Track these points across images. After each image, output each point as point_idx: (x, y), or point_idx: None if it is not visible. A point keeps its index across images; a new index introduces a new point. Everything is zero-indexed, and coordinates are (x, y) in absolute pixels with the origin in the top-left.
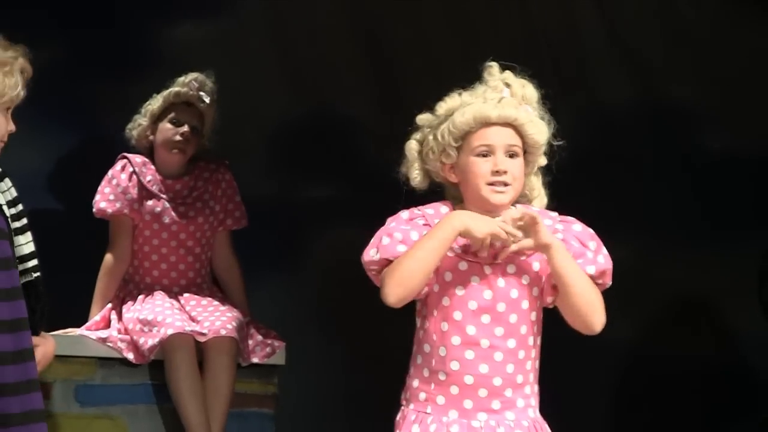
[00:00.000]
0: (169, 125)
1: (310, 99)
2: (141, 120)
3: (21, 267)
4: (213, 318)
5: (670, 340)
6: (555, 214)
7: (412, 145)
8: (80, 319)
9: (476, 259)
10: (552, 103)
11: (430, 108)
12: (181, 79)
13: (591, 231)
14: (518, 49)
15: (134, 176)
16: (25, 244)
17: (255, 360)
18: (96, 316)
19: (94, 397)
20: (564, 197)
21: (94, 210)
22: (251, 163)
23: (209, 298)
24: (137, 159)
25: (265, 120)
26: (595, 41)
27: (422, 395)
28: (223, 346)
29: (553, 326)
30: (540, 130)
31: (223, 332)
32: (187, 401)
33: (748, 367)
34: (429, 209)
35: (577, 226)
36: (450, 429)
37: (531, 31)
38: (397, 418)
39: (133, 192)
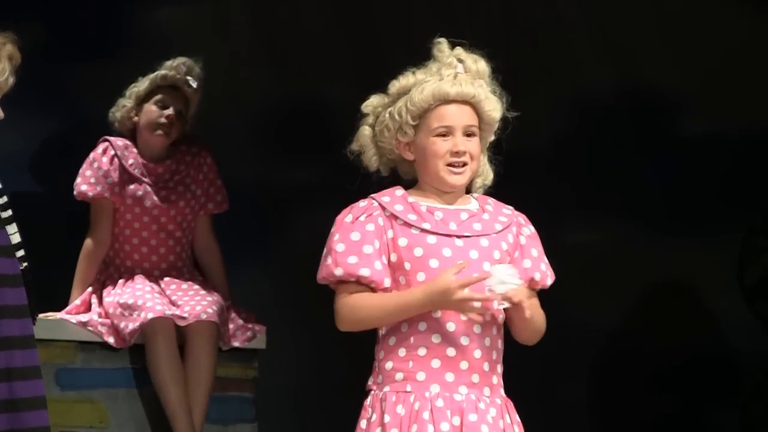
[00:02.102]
0: (154, 107)
1: (292, 82)
2: (125, 102)
3: None
4: (194, 302)
5: (651, 325)
6: (511, 208)
7: (365, 132)
8: (60, 303)
9: (446, 232)
10: (532, 86)
11: (382, 90)
12: (169, 62)
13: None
14: (499, 32)
15: (116, 159)
16: (13, 234)
17: (235, 344)
18: (76, 300)
19: (75, 381)
20: (543, 181)
21: (75, 193)
22: (232, 146)
23: (190, 282)
24: (119, 142)
25: (247, 103)
26: (575, 24)
27: (399, 375)
28: (203, 330)
29: None
30: (495, 107)
31: (203, 316)
32: (167, 385)
33: (729, 352)
34: (385, 197)
35: (531, 228)
36: (435, 403)
37: (512, 15)
38: (366, 402)
39: (114, 175)
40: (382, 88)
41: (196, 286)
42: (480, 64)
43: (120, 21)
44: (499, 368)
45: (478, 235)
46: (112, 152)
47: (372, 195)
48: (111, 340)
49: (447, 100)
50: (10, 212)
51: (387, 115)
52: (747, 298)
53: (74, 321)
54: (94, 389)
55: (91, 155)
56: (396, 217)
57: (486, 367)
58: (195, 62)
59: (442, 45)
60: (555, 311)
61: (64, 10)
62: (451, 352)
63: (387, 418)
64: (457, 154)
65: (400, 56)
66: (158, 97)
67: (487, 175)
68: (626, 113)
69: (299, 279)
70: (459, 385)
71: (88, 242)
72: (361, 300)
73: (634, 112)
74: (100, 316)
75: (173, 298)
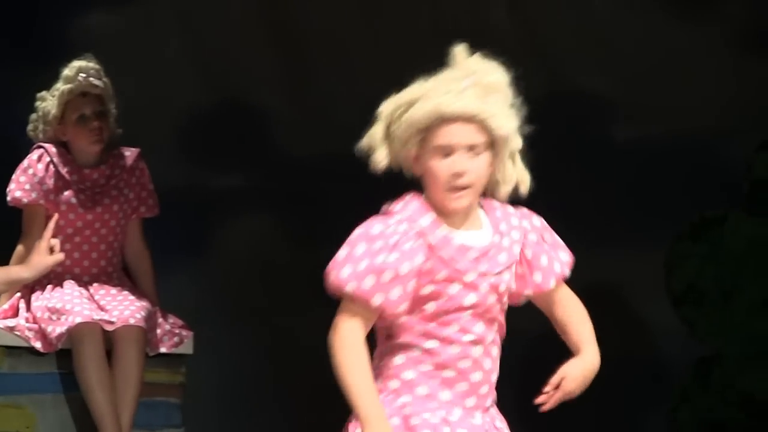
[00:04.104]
0: (79, 125)
1: (220, 88)
2: (43, 125)
3: None
4: (122, 307)
5: None
6: (519, 214)
7: (377, 133)
8: None
9: (478, 272)
10: None
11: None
12: (66, 73)
13: (546, 223)
14: (427, 39)
15: (51, 166)
16: None
17: (163, 349)
18: (4, 305)
19: (1, 387)
20: None
21: (8, 199)
22: (161, 152)
23: (119, 287)
24: (53, 149)
25: (175, 109)
26: (507, 34)
27: (422, 389)
28: (131, 335)
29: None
30: (504, 123)
31: (131, 321)
32: (95, 390)
33: (656, 358)
34: (401, 225)
35: (537, 220)
36: (456, 427)
37: (441, 22)
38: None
39: (50, 182)
40: (310, 95)
41: (125, 291)
42: (493, 77)
43: (48, 26)
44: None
45: (501, 272)
46: (48, 159)
47: (401, 214)
48: (38, 344)
49: (448, 119)
50: None
51: (395, 126)
52: (675, 304)
53: (1, 326)
54: (20, 394)
55: (26, 161)
56: (433, 248)
57: (489, 390)
58: (87, 60)
59: (458, 53)
60: None
61: None
62: (476, 377)
63: (415, 420)
64: (457, 175)
65: (329, 63)
66: (76, 115)
67: (515, 180)
68: (553, 119)
69: (227, 285)
70: (476, 410)
71: (19, 248)
72: (346, 350)
73: (562, 118)
74: (27, 320)
75: (102, 302)
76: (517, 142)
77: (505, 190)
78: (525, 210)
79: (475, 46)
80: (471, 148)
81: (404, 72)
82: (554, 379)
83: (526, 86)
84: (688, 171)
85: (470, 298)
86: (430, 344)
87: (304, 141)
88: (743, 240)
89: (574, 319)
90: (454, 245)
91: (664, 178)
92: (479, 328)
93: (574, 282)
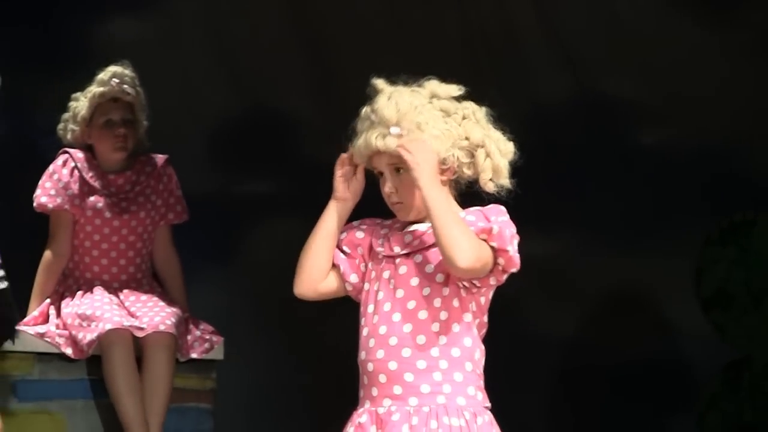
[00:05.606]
0: (105, 129)
1: (248, 94)
2: (72, 125)
3: None
4: (152, 313)
5: (608, 335)
6: (480, 213)
7: None
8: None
9: (388, 252)
10: (489, 97)
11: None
12: (100, 76)
13: (502, 209)
14: (455, 45)
15: (76, 171)
16: None
17: (193, 355)
18: (35, 311)
19: (32, 393)
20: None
21: (34, 204)
22: (189, 158)
23: (149, 294)
24: (79, 154)
25: (203, 115)
26: (532, 38)
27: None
28: (161, 341)
29: (489, 322)
30: (407, 151)
31: (161, 327)
32: (124, 397)
33: (685, 363)
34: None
35: (490, 206)
36: (360, 419)
37: (468, 29)
38: None
39: (75, 187)
40: (337, 101)
41: (155, 298)
42: (390, 110)
43: (74, 34)
44: (439, 376)
45: (414, 253)
46: (72, 164)
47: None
48: (69, 351)
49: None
50: None
51: None
52: (704, 308)
53: (32, 332)
54: (51, 401)
55: (51, 167)
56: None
57: (409, 377)
58: (124, 67)
59: (373, 87)
60: (512, 322)
61: (14, 21)
62: (370, 367)
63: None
64: (388, 195)
65: (356, 70)
66: (104, 118)
67: (500, 174)
68: (583, 124)
69: (257, 290)
70: (383, 398)
71: (47, 254)
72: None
73: (591, 122)
74: (57, 327)
75: (132, 309)
76: (475, 138)
77: (484, 178)
78: (493, 209)
79: (502, 50)
80: (394, 166)
81: (433, 76)
82: None
83: (555, 90)
84: (718, 175)
85: (375, 285)
86: None
87: (332, 147)
88: None
89: None
90: (380, 238)
91: (693, 182)
92: (375, 318)
93: (604, 286)
